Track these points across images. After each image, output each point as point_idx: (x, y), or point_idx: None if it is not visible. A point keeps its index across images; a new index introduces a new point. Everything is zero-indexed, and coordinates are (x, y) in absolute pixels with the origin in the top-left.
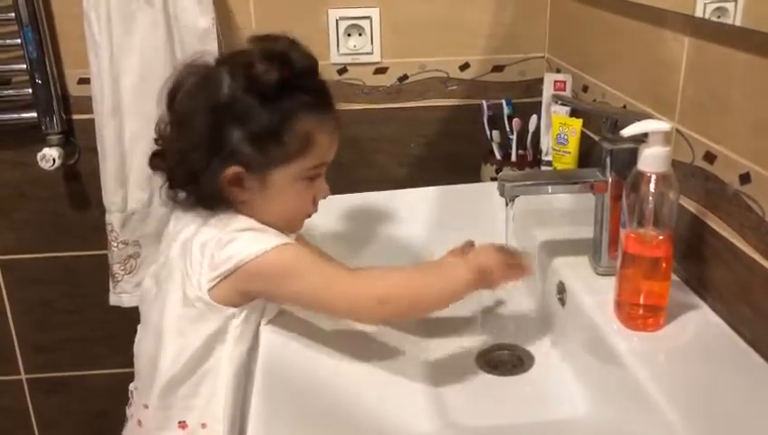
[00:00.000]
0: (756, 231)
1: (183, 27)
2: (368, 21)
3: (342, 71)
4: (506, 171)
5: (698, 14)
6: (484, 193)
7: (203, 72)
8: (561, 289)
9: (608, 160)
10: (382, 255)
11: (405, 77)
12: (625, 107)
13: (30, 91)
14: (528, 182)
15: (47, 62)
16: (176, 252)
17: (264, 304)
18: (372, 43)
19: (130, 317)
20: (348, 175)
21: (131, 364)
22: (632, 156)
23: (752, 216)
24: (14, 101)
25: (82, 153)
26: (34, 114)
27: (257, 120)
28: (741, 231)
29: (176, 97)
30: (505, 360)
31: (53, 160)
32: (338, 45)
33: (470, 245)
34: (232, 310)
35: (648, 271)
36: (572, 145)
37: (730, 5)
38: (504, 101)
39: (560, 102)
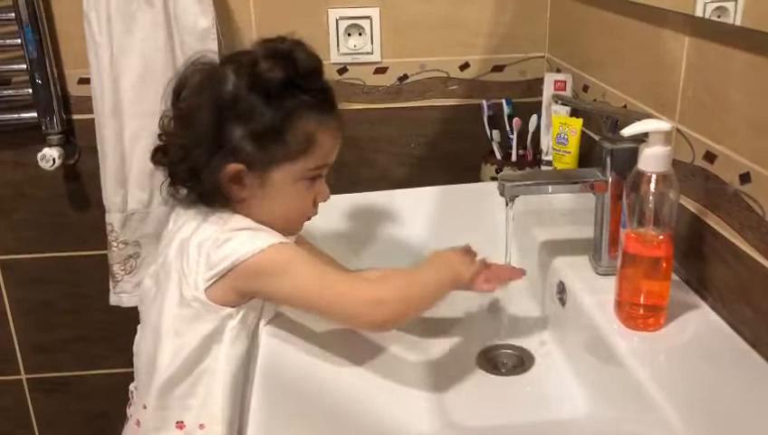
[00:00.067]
0: (756, 231)
1: (183, 27)
2: (368, 21)
3: (342, 70)
4: (506, 171)
5: (698, 13)
6: (485, 193)
7: (208, 70)
8: (562, 289)
9: (608, 160)
10: (382, 255)
11: (405, 77)
12: (625, 107)
13: (30, 91)
14: (528, 182)
15: (47, 62)
16: (173, 252)
17: (262, 305)
18: (372, 42)
19: (130, 317)
20: (348, 175)
21: (131, 364)
22: (632, 156)
23: (752, 215)
24: (14, 101)
25: (82, 153)
26: (34, 114)
27: (260, 118)
28: (741, 231)
29: (181, 94)
30: (506, 360)
31: (53, 160)
32: (338, 45)
33: (467, 250)
34: (228, 310)
35: (649, 271)
36: (573, 145)
37: (730, 5)
38: (504, 101)
39: (560, 102)
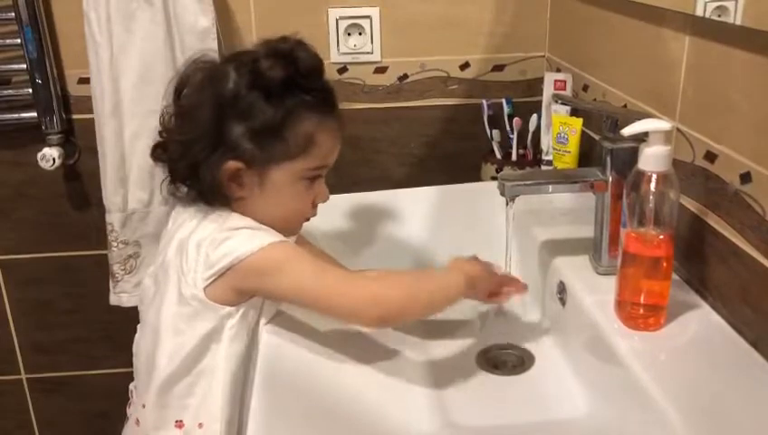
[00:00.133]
0: (757, 230)
1: (183, 27)
2: (368, 20)
3: (342, 70)
4: (507, 171)
5: (699, 12)
6: (485, 192)
7: (210, 68)
8: (562, 289)
9: (608, 160)
10: (382, 255)
11: (405, 76)
12: (625, 106)
13: (30, 90)
14: (528, 181)
15: (47, 62)
16: (172, 251)
17: (262, 303)
18: (372, 42)
19: (130, 317)
20: (348, 174)
21: (131, 364)
22: (633, 155)
23: (752, 215)
24: (14, 101)
25: (82, 153)
26: (34, 114)
27: (259, 116)
28: (741, 230)
29: (182, 91)
30: (506, 359)
31: (53, 160)
32: (338, 45)
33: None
34: (228, 309)
35: (649, 270)
36: (573, 144)
37: (730, 4)
38: (504, 101)
39: (560, 102)
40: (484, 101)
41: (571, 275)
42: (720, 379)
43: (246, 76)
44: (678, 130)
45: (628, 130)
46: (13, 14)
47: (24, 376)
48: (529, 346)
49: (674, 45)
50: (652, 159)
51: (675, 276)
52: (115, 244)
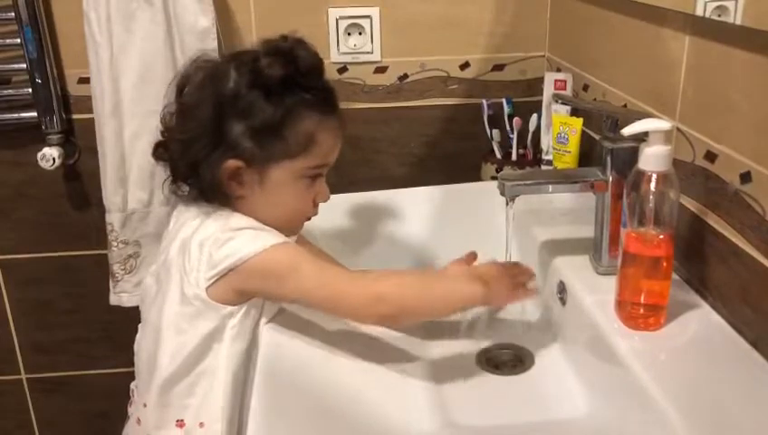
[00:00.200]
0: (757, 230)
1: (183, 26)
2: (368, 20)
3: (342, 70)
4: (507, 170)
5: (699, 12)
6: (485, 192)
7: (211, 67)
8: (562, 288)
9: (608, 159)
10: (382, 254)
11: (405, 76)
12: (625, 106)
13: (30, 90)
14: (528, 181)
15: (47, 62)
16: (175, 250)
17: (263, 303)
18: (372, 42)
19: (130, 317)
20: (348, 174)
21: (131, 364)
22: (633, 155)
23: (753, 215)
24: (14, 101)
25: (82, 153)
26: (34, 114)
27: (259, 115)
28: (742, 230)
29: (183, 90)
30: (506, 359)
31: (53, 160)
32: (338, 44)
33: (473, 256)
34: (229, 308)
35: (649, 270)
36: (573, 144)
37: (730, 4)
38: (504, 100)
39: (560, 101)
40: (484, 101)
41: (572, 274)
42: (720, 379)
43: (246, 75)
44: (678, 129)
45: (628, 130)
46: (13, 13)
47: (23, 376)
48: (529, 346)
49: (674, 45)
50: (652, 158)
51: (675, 276)
52: (115, 244)
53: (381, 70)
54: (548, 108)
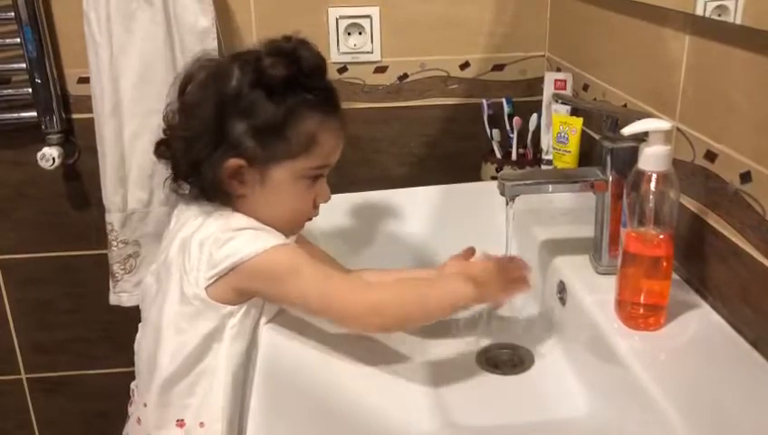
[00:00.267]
0: (757, 230)
1: (183, 26)
2: (368, 20)
3: (342, 70)
4: (507, 170)
5: (699, 12)
6: (485, 192)
7: (214, 66)
8: (562, 288)
9: (608, 159)
10: (382, 254)
11: (405, 76)
12: (625, 105)
13: (30, 90)
14: (528, 181)
15: (47, 62)
16: (175, 250)
17: (263, 303)
18: (372, 41)
19: (130, 317)
20: (348, 174)
21: (131, 364)
22: (633, 155)
23: (753, 215)
24: (14, 101)
25: (82, 153)
26: (34, 114)
27: (261, 114)
28: (742, 230)
29: (186, 88)
30: (506, 359)
31: (53, 160)
32: (338, 44)
33: (471, 251)
34: (229, 308)
35: (649, 270)
36: (573, 144)
37: (730, 4)
38: (504, 100)
39: (560, 101)
40: (484, 101)
41: (571, 274)
42: (720, 379)
43: (249, 74)
44: (678, 129)
45: (628, 130)
46: (12, 13)
47: (23, 376)
48: (529, 346)
49: (674, 45)
50: (652, 158)
51: (675, 276)
52: (115, 243)
53: (381, 70)
54: (548, 108)
